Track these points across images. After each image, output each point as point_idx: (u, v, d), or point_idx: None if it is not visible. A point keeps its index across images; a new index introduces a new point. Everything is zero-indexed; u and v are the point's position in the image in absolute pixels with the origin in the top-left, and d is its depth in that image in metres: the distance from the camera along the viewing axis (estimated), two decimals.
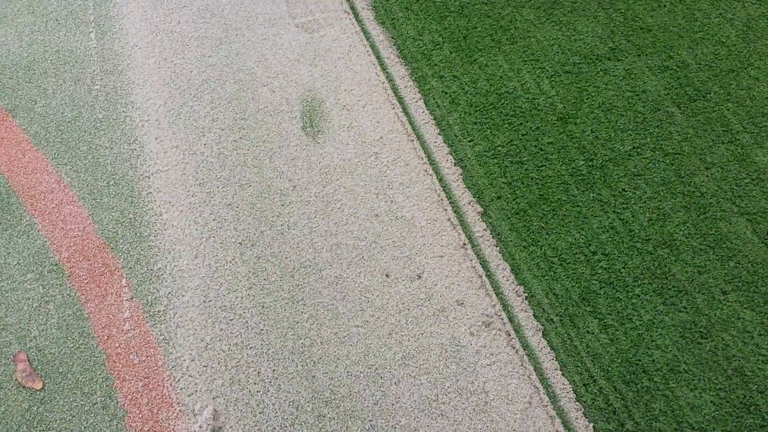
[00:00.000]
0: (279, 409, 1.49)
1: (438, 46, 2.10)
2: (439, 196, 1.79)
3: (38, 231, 1.75)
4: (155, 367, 1.54)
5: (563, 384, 1.52)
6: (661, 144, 1.86)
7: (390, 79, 2.03)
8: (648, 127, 1.89)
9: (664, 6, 2.15)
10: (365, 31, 2.15)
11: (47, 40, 2.13)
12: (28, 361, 1.52)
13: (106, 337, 1.58)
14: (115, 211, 1.77)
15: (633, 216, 1.76)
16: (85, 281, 1.66)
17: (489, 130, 1.91)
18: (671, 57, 2.04)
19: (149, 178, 1.83)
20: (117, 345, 1.57)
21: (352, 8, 2.20)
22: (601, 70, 2.02)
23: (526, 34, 2.12)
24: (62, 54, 2.10)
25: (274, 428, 1.47)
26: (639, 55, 2.05)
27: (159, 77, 2.04)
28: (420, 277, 1.66)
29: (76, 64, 2.07)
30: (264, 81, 2.03)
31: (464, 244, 1.72)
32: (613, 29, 2.11)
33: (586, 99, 1.95)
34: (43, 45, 2.12)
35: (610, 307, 1.62)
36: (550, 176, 1.81)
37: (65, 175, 1.84)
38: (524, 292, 1.64)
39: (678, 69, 2.01)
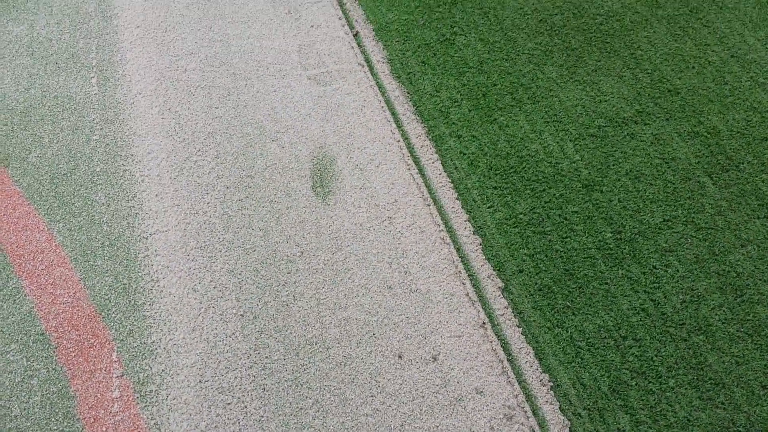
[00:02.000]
0: None
1: (456, 103, 2.00)
2: (456, 267, 1.67)
3: (25, 295, 1.63)
4: None
5: None
6: (693, 217, 1.75)
7: (405, 137, 1.93)
8: (679, 198, 1.78)
9: (693, 67, 2.06)
10: (380, 86, 2.05)
11: (46, 84, 2.03)
12: None
13: (92, 420, 1.44)
14: (108, 276, 1.65)
15: (665, 297, 1.64)
16: (73, 354, 1.53)
17: (510, 196, 1.80)
18: (701, 122, 1.94)
19: (147, 239, 1.71)
20: (104, 429, 1.44)
21: (367, 60, 2.11)
22: (627, 134, 1.92)
23: (549, 93, 2.02)
24: (61, 100, 1.99)
25: None
26: (667, 119, 1.94)
27: (162, 128, 1.93)
28: (435, 359, 1.54)
29: (75, 112, 1.96)
30: (273, 136, 1.93)
31: (484, 323, 1.60)
32: (639, 90, 2.01)
33: (613, 165, 1.85)
34: (42, 90, 2.02)
35: (642, 400, 1.49)
36: (576, 249, 1.69)
37: (57, 233, 1.72)
38: (549, 381, 1.51)
39: (709, 135, 1.90)
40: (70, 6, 2.18)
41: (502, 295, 1.67)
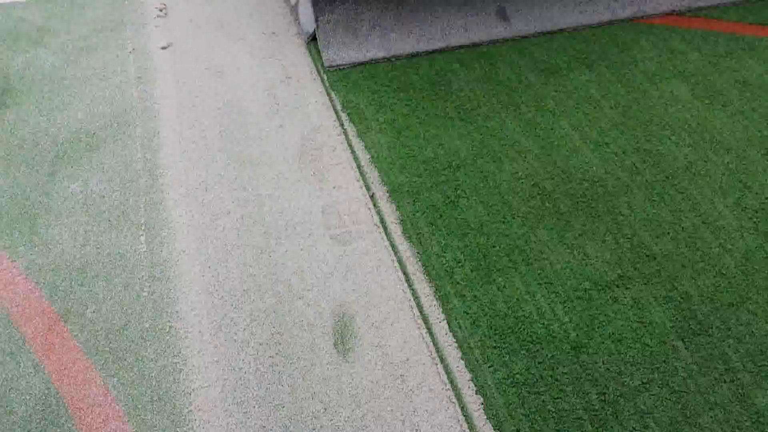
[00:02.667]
0: None
1: (460, 264, 2.28)
2: (461, 427, 1.92)
3: None
4: None
5: None
6: (668, 380, 2.01)
7: (416, 296, 2.20)
8: (655, 362, 2.04)
9: (668, 233, 2.35)
10: (393, 246, 2.34)
11: (100, 241, 2.32)
12: None
13: None
14: (157, 431, 1.89)
15: None
16: None
17: (508, 356, 2.06)
18: (675, 287, 2.22)
19: (190, 394, 1.97)
20: None
21: (382, 221, 2.41)
22: (610, 297, 2.19)
23: (541, 255, 2.30)
24: (113, 257, 2.28)
25: None
26: (646, 284, 2.23)
27: (202, 286, 2.21)
28: None
29: (126, 269, 2.24)
30: (300, 294, 2.20)
31: None
32: (620, 255, 2.30)
33: (597, 327, 2.11)
34: (96, 247, 2.31)
35: None
36: (566, 410, 1.94)
37: (113, 387, 1.97)
38: None
39: (682, 300, 2.18)
40: (120, 163, 2.48)
41: None
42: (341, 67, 2.92)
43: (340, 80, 2.88)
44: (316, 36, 2.91)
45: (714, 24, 3.10)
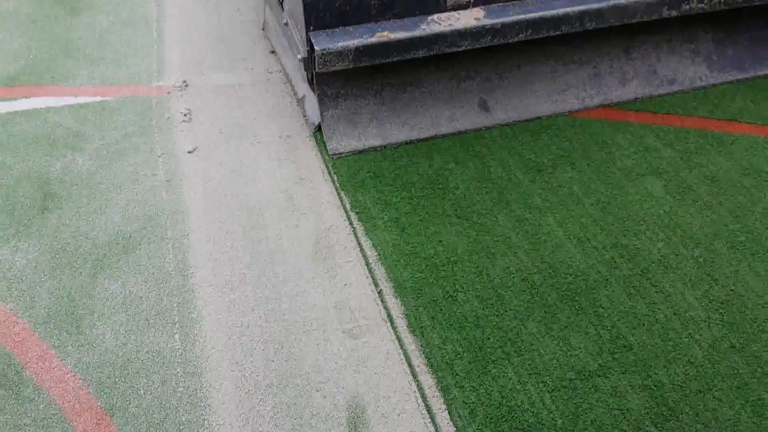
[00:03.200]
0: None
1: (459, 356, 2.58)
2: None
3: None
4: None
5: None
6: None
7: (420, 387, 2.50)
8: None
9: (643, 324, 2.66)
10: (399, 339, 2.65)
11: (139, 339, 2.63)
12: None
13: None
14: None
15: None
16: None
17: None
18: (649, 376, 2.51)
19: None
20: None
21: (389, 316, 2.72)
22: (592, 386, 2.49)
23: (531, 347, 2.61)
24: (151, 354, 2.58)
25: None
26: (623, 373, 2.52)
27: (231, 381, 2.51)
28: None
29: (163, 365, 2.55)
30: (317, 386, 2.50)
31: None
32: (601, 346, 2.60)
33: (581, 415, 2.41)
34: (136, 344, 2.61)
35: None
36: None
37: None
38: None
39: (655, 388, 2.48)
40: (154, 264, 2.81)
41: None
42: (343, 155, 3.31)
43: (349, 180, 3.22)
44: (321, 127, 3.28)
45: (686, 120, 3.46)
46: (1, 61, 4.04)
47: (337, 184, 3.19)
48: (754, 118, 3.48)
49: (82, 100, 3.72)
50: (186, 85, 3.81)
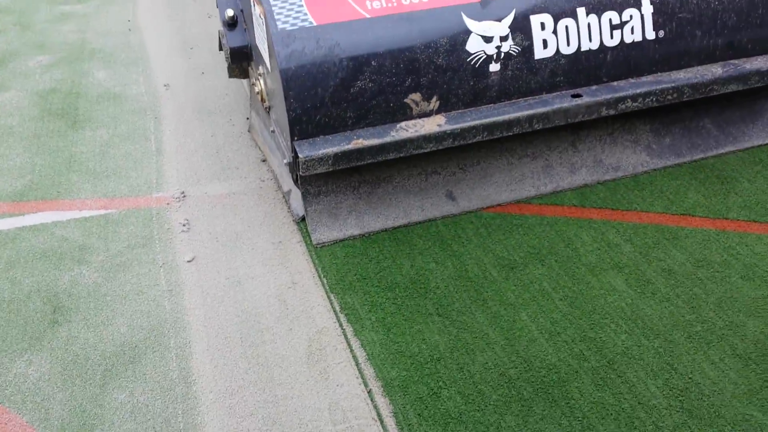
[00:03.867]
0: None
1: None
2: None
3: None
4: None
5: None
6: None
7: None
8: None
9: (611, 415, 2.90)
10: None
11: None
12: None
13: None
14: None
15: None
16: None
17: None
18: None
19: None
20: None
21: (378, 415, 2.95)
22: None
23: None
24: None
25: None
26: None
27: None
28: None
29: None
30: None
31: None
32: None
33: None
34: None
35: None
36: None
37: None
38: None
39: None
40: (159, 373, 3.03)
41: None
42: (326, 244, 3.69)
43: (338, 283, 3.50)
44: (306, 220, 3.71)
45: (644, 216, 3.80)
46: (7, 177, 4.34)
47: (327, 287, 3.46)
48: (705, 212, 3.83)
49: (86, 213, 4.01)
50: (184, 196, 4.12)
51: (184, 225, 3.88)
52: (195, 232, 3.84)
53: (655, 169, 4.13)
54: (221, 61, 5.22)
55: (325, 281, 3.50)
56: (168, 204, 4.08)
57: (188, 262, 3.63)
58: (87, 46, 5.91)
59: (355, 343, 3.20)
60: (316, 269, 3.59)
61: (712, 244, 3.67)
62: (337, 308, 3.37)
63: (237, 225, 3.89)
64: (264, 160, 4.41)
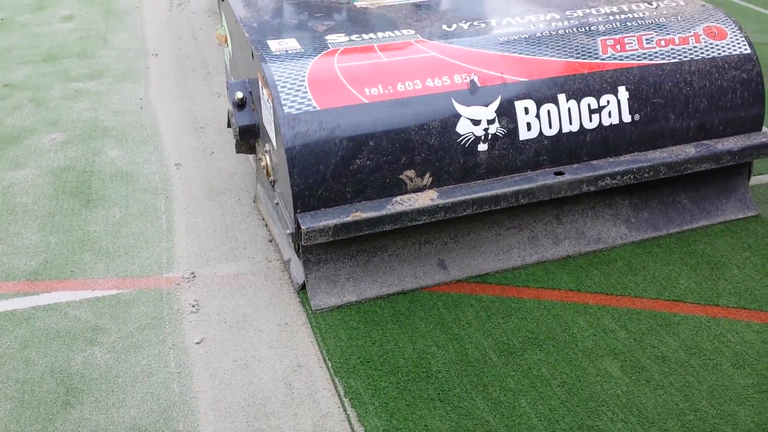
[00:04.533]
0: None
1: None
2: None
3: None
4: None
5: None
6: None
7: None
8: None
9: None
10: None
11: None
12: None
13: None
14: None
15: None
16: None
17: None
18: None
19: None
20: None
21: None
22: None
23: None
24: None
25: None
26: None
27: None
28: None
29: None
30: None
31: None
32: None
33: None
34: None
35: None
36: None
37: None
38: None
39: None
40: None
41: None
42: (324, 310, 3.90)
43: (342, 366, 3.62)
44: (306, 287, 3.93)
45: (637, 302, 3.95)
46: (23, 256, 4.50)
47: (332, 371, 3.58)
48: (697, 298, 3.99)
49: (99, 293, 4.15)
50: (193, 276, 4.27)
51: (193, 306, 4.01)
52: (204, 313, 3.98)
53: (647, 253, 4.31)
54: (229, 140, 5.45)
55: (329, 364, 3.62)
56: (178, 284, 4.22)
57: (197, 343, 3.76)
58: (100, 123, 6.15)
59: (359, 429, 3.30)
60: (321, 352, 3.72)
61: (704, 331, 3.80)
62: (342, 392, 3.48)
63: (244, 306, 4.03)
64: (270, 240, 4.58)
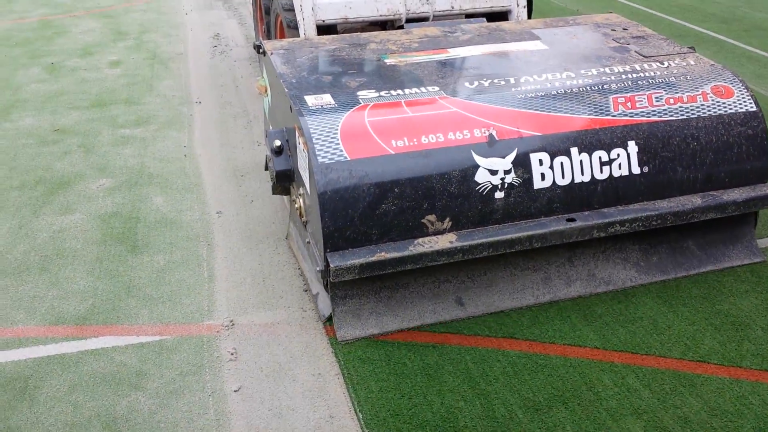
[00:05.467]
0: None
1: None
2: None
3: None
4: None
5: None
6: None
7: None
8: None
9: None
10: None
11: None
12: None
13: None
14: None
15: None
16: None
17: None
18: None
19: None
20: None
21: None
22: None
23: None
24: None
25: None
26: None
27: None
28: None
29: None
30: None
31: None
32: None
33: None
34: None
35: None
36: None
37: None
38: None
39: None
40: None
41: None
42: (349, 341, 4.18)
43: (372, 419, 3.77)
44: (332, 319, 4.24)
45: (662, 362, 4.04)
46: (72, 300, 4.76)
47: (362, 423, 3.74)
48: (720, 359, 4.07)
49: (143, 339, 4.38)
50: (233, 324, 4.48)
51: (231, 354, 4.21)
52: (242, 362, 4.17)
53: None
54: (268, 189, 5.69)
55: (360, 416, 3.78)
56: (218, 332, 4.44)
57: (235, 391, 3.95)
58: (146, 170, 6.47)
59: None
60: (353, 403, 3.88)
61: (726, 393, 3.89)
62: None
63: (280, 355, 4.22)
64: (306, 290, 4.78)
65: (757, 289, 4.56)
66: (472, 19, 6.05)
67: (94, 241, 5.45)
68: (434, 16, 6.29)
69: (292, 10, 6.08)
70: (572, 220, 3.91)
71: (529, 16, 6.55)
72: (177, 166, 6.66)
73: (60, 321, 4.51)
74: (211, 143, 7.13)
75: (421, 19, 6.27)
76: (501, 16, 6.46)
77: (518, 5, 6.37)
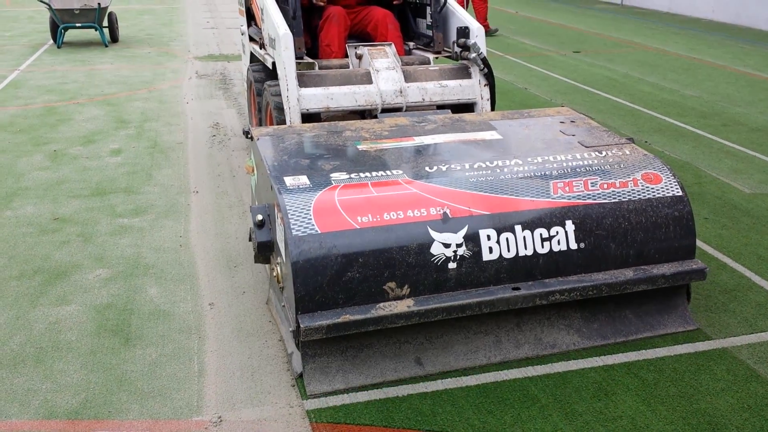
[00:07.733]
0: None
1: None
2: None
3: None
4: None
5: None
6: None
7: None
8: None
9: None
10: None
11: None
12: None
13: None
14: None
15: None
16: None
17: None
18: None
19: None
20: None
21: None
22: None
23: None
24: None
25: None
26: None
27: None
28: None
29: None
30: None
31: None
32: None
33: None
34: None
35: None
36: None
37: None
38: None
39: None
40: None
41: None
42: (317, 395, 4.58)
43: None
44: (302, 376, 4.70)
45: None
46: (65, 394, 4.85)
47: None
48: None
49: None
50: (221, 420, 4.58)
51: None
52: None
53: (651, 411, 4.52)
54: (260, 281, 5.87)
55: None
56: (206, 429, 4.53)
57: None
58: (142, 261, 6.66)
59: None
60: None
61: None
62: None
63: None
64: (293, 385, 4.90)
65: (732, 387, 4.69)
66: (439, 111, 6.71)
67: (89, 333, 5.58)
68: (407, 107, 6.85)
69: (279, 95, 6.73)
70: (517, 288, 4.36)
71: (493, 108, 7.12)
72: (172, 256, 6.85)
73: (52, 415, 4.61)
74: (207, 233, 7.34)
75: (396, 109, 6.80)
76: (467, 107, 7.13)
77: (482, 98, 7.00)
